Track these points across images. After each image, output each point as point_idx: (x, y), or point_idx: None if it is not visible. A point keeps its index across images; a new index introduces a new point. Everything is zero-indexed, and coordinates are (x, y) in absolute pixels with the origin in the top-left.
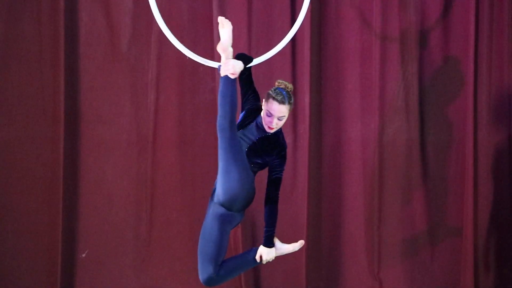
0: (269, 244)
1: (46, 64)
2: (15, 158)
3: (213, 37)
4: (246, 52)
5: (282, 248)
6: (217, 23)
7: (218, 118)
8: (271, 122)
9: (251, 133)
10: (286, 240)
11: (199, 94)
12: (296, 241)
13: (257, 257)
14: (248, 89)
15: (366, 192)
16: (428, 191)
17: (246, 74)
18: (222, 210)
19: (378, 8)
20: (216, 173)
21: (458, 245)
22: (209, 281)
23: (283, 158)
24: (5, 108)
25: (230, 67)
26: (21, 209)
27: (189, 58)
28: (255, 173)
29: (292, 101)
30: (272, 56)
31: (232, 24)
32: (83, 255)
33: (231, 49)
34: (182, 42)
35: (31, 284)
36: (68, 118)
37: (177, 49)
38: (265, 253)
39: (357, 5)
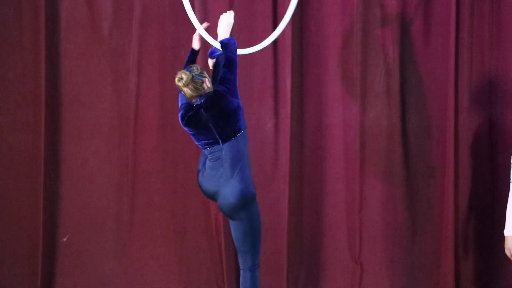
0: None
1: (27, 48)
2: None
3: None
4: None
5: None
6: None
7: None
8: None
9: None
10: (267, 225)
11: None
12: (277, 226)
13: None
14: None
15: (347, 176)
16: (409, 175)
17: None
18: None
19: None
20: (197, 158)
21: (438, 229)
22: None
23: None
24: None
25: None
26: (1, 194)
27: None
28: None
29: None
30: (253, 41)
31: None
32: (64, 239)
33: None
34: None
35: (12, 268)
36: (48, 102)
37: (159, 34)
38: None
39: None
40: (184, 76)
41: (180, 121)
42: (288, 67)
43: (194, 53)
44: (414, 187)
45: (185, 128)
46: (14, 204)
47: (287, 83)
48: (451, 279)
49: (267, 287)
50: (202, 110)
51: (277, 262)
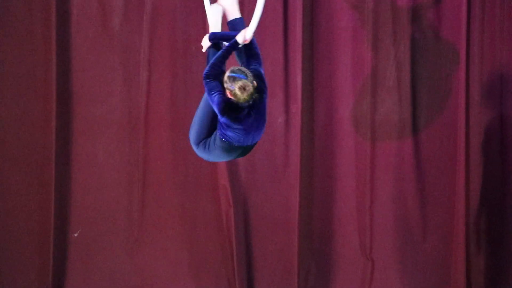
0: None
1: (38, 43)
2: (7, 137)
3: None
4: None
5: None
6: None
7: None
8: None
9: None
10: (278, 220)
11: (191, 74)
12: (288, 222)
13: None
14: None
15: (358, 171)
16: (420, 171)
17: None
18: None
19: None
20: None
21: (450, 225)
22: None
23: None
24: None
25: None
26: (13, 189)
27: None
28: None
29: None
30: (264, 37)
31: None
32: (75, 235)
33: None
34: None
35: (23, 264)
36: (60, 97)
37: (169, 29)
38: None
39: None
40: (250, 89)
41: (232, 121)
42: (298, 63)
43: (234, 46)
44: (425, 183)
45: (236, 125)
46: (25, 199)
47: (297, 79)
48: (462, 275)
49: (278, 280)
50: (251, 111)
51: (288, 256)
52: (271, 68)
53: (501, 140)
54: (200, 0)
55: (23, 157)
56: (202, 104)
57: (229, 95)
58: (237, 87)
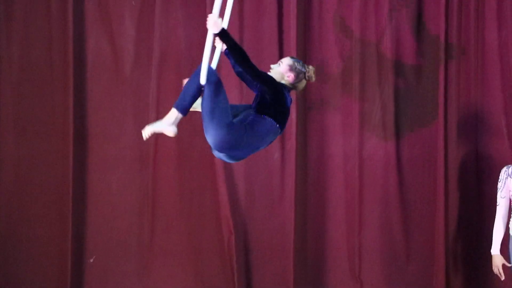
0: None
1: (57, 87)
2: (29, 172)
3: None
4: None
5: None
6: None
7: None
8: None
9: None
10: (275, 246)
11: (197, 113)
12: (284, 247)
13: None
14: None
15: (347, 201)
16: (403, 201)
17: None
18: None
19: (357, 34)
20: (210, 186)
21: (431, 249)
22: None
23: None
24: (19, 128)
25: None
26: (34, 219)
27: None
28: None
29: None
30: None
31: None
32: (91, 261)
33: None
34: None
35: (44, 286)
36: (76, 136)
37: (176, 73)
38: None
39: (338, 31)
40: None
41: (286, 101)
42: (293, 104)
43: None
44: (408, 212)
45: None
46: (45, 228)
47: (292, 118)
48: None
49: None
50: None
51: (284, 279)
52: None
53: (476, 173)
54: (202, 47)
55: (43, 190)
56: (210, 99)
57: (292, 78)
58: (312, 70)
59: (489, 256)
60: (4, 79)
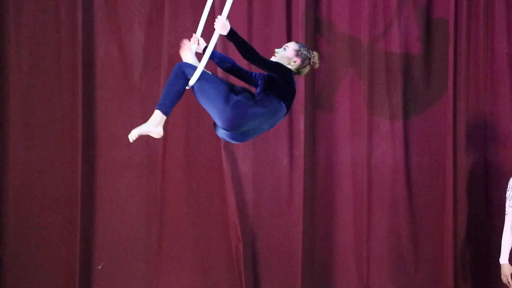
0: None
1: (66, 93)
2: (38, 178)
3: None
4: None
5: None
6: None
7: None
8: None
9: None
10: (283, 253)
11: (204, 120)
12: (292, 254)
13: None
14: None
15: (356, 209)
16: (412, 208)
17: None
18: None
19: (366, 42)
20: (217, 193)
21: (439, 256)
22: None
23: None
24: (28, 133)
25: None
26: (43, 225)
27: None
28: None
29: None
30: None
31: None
32: (99, 267)
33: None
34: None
35: None
36: (85, 141)
37: None
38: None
39: (347, 39)
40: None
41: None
42: (301, 110)
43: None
44: (416, 219)
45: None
46: (54, 234)
47: (300, 125)
48: None
49: None
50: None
51: (292, 285)
52: None
53: (485, 180)
54: None
55: (52, 196)
56: (204, 90)
57: (299, 63)
58: (317, 56)
59: (498, 265)
60: (13, 85)
